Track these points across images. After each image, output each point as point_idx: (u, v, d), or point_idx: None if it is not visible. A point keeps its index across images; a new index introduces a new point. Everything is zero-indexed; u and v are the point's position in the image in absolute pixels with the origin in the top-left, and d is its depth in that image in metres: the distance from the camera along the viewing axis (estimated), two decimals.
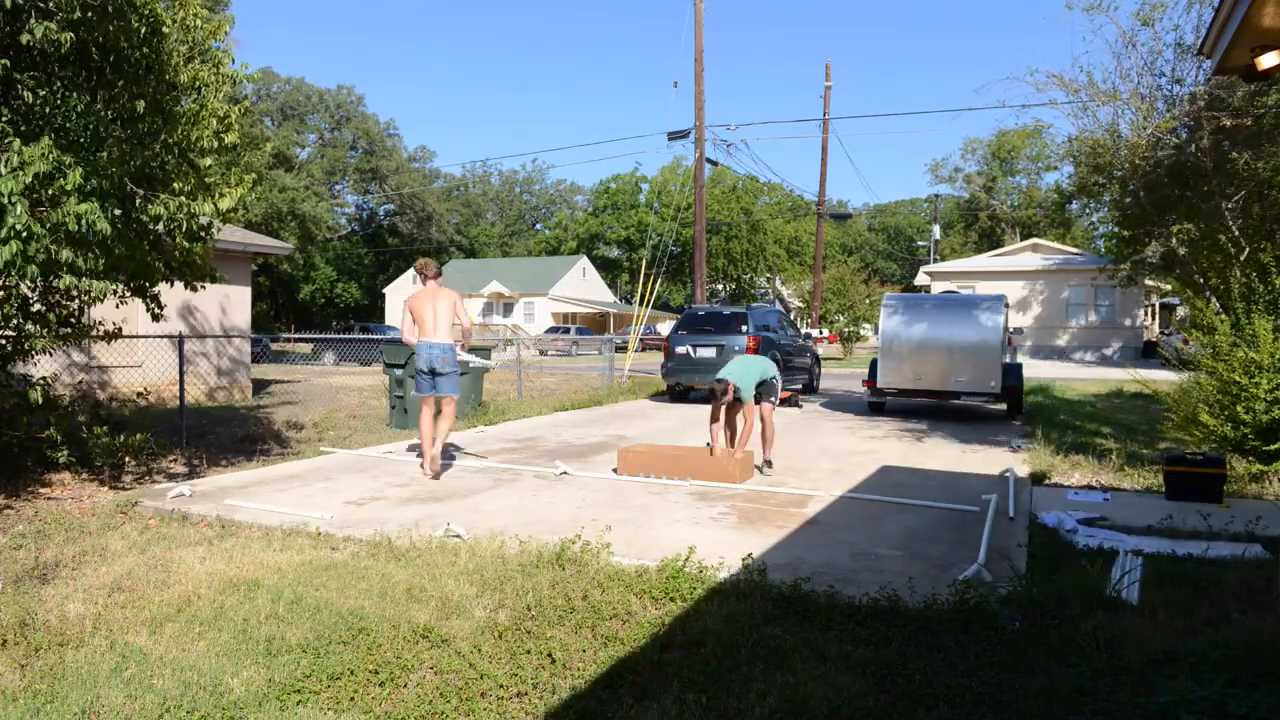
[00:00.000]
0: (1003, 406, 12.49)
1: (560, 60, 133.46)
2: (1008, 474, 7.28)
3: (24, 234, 5.15)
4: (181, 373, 8.99)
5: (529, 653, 3.38)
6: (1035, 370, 21.61)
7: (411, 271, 52.15)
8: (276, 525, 5.44)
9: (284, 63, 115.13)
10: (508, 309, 52.96)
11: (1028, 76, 31.07)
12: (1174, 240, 16.68)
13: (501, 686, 3.09)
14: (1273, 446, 6.72)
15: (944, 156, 67.96)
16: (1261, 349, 6.82)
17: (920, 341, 11.87)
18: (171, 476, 7.25)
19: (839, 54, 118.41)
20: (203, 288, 7.46)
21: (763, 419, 7.68)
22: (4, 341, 6.46)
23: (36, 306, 6.40)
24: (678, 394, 14.87)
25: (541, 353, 36.08)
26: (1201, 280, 13.91)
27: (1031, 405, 13.18)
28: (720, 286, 63.57)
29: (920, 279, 38.48)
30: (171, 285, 7.25)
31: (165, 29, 6.37)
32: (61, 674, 3.21)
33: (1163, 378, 9.48)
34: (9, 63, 5.70)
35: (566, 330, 40.96)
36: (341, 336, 26.66)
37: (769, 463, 7.69)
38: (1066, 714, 2.90)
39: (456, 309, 7.77)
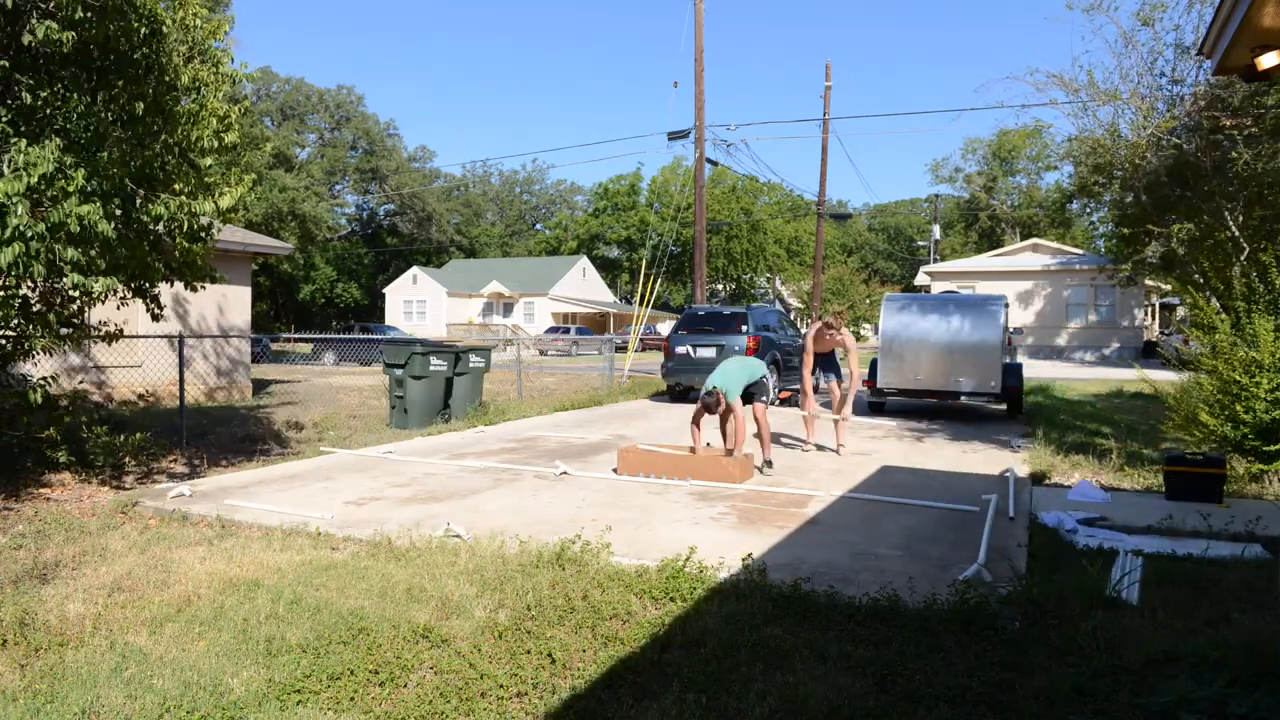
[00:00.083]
0: (1003, 406, 12.49)
1: (560, 60, 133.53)
2: (1008, 474, 7.29)
3: (27, 235, 5.15)
4: (181, 373, 8.99)
5: (529, 653, 3.38)
6: (1035, 370, 21.61)
7: (411, 271, 52.40)
8: (276, 525, 5.44)
9: (284, 63, 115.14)
10: (508, 309, 52.96)
11: (1028, 76, 31.10)
12: (1174, 240, 16.68)
13: (501, 686, 3.09)
14: (1273, 446, 6.72)
15: (944, 156, 67.89)
16: (1261, 349, 6.81)
17: (920, 341, 11.87)
18: (171, 476, 7.25)
19: (839, 54, 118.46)
20: (203, 288, 7.46)
21: (757, 420, 7.68)
22: (4, 342, 6.46)
23: (37, 307, 6.40)
24: (678, 394, 14.87)
25: (541, 353, 36.08)
26: (1201, 280, 13.92)
27: (1031, 405, 13.18)
28: (720, 286, 63.57)
29: (920, 279, 38.48)
30: (172, 285, 7.25)
31: (165, 29, 6.37)
32: (61, 674, 3.21)
33: (1163, 378, 9.47)
34: (9, 63, 5.70)
35: (566, 330, 40.96)
36: (341, 336, 26.64)
37: (769, 463, 7.69)
38: (1066, 714, 2.90)
39: None
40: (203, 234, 6.89)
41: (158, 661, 3.33)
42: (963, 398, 12.01)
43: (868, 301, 33.35)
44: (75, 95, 5.85)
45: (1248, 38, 3.75)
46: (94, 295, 5.88)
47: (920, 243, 69.78)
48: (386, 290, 53.97)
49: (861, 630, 3.60)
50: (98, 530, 5.35)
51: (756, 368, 7.73)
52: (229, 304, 14.04)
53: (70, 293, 5.92)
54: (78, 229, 5.39)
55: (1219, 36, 3.96)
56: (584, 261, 58.14)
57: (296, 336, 32.42)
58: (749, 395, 7.64)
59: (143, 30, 6.10)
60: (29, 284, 5.92)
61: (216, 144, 6.91)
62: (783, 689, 3.03)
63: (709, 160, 24.86)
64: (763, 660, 3.29)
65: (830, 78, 35.67)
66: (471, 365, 11.50)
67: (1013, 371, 11.98)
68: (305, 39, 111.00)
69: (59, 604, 3.96)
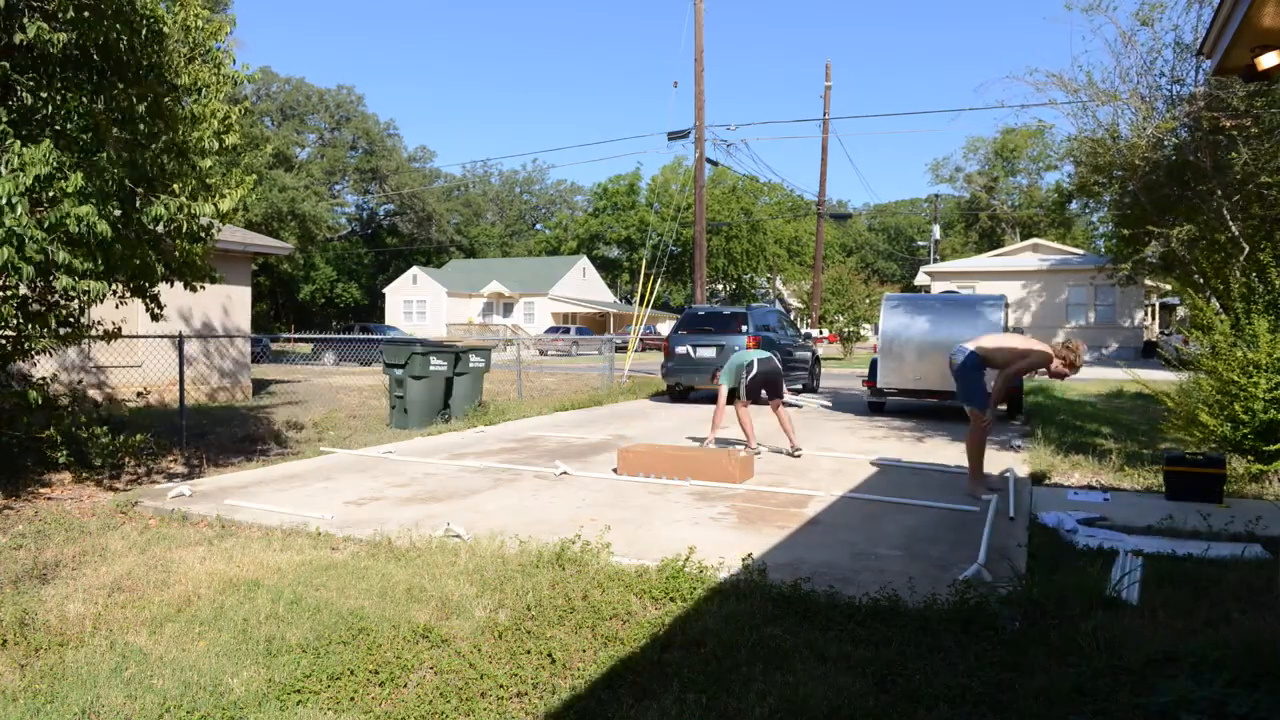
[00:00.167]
0: (1003, 406, 12.48)
1: (560, 60, 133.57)
2: (1008, 474, 7.28)
3: (22, 236, 5.15)
4: (181, 373, 8.99)
5: (529, 653, 3.38)
6: None
7: (411, 271, 52.41)
8: (276, 525, 5.44)
9: (284, 63, 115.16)
10: (508, 309, 52.96)
11: (1027, 76, 31.10)
12: (1174, 240, 16.68)
13: (501, 686, 3.09)
14: (1272, 446, 6.72)
15: (945, 156, 68.05)
16: (1260, 349, 6.82)
17: (920, 341, 11.87)
18: (171, 476, 7.25)
19: (839, 54, 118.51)
20: (203, 288, 7.47)
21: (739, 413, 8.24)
22: (4, 341, 6.46)
23: (36, 307, 6.40)
24: (678, 394, 14.88)
25: (541, 353, 36.08)
26: (1201, 280, 13.91)
27: (1031, 405, 13.18)
28: (720, 286, 63.57)
29: (920, 279, 38.48)
30: (171, 285, 7.25)
31: (165, 30, 6.37)
32: (61, 674, 3.21)
33: (1162, 378, 9.48)
34: (8, 65, 5.70)
35: (566, 330, 40.96)
36: (341, 336, 26.65)
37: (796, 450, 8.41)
38: (1066, 714, 2.90)
39: None
40: (203, 235, 6.89)
41: (158, 661, 3.33)
42: None
43: (867, 301, 33.30)
44: (74, 96, 5.85)
45: (1248, 38, 3.75)
46: (91, 296, 5.88)
47: (920, 243, 69.77)
48: (386, 290, 53.98)
49: (861, 630, 3.60)
50: (98, 530, 5.35)
51: (742, 356, 8.34)
52: (229, 304, 14.04)
53: (69, 293, 5.92)
54: (76, 229, 5.39)
55: (1219, 36, 3.96)
56: (584, 261, 58.15)
57: (296, 336, 32.43)
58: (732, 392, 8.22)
59: (143, 31, 6.10)
60: (27, 284, 5.92)
61: (217, 145, 6.91)
62: (783, 689, 3.03)
63: (709, 160, 24.86)
64: (763, 660, 3.29)
65: (830, 78, 35.69)
66: (471, 365, 11.50)
67: None
68: (305, 39, 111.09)
69: (59, 604, 3.96)
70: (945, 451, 9.01)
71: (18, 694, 3.04)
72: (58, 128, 5.82)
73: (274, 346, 30.87)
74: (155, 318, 7.24)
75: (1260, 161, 13.88)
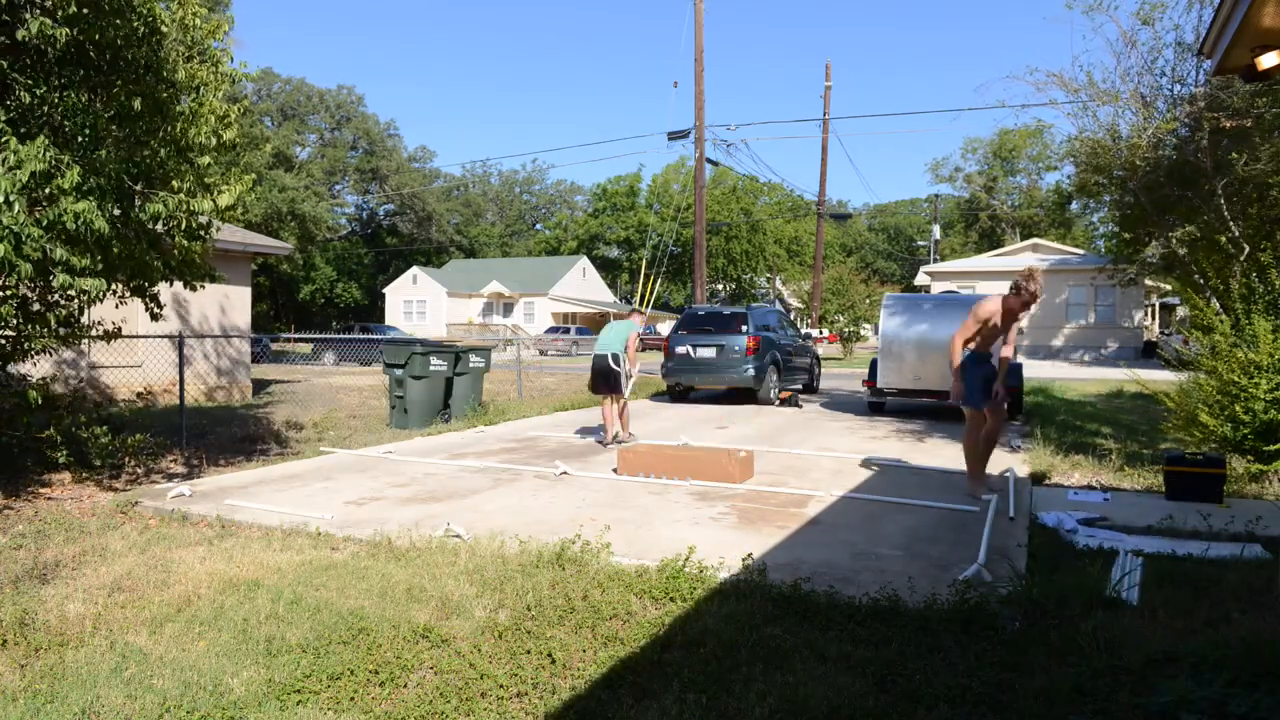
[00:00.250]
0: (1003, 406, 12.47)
1: (560, 60, 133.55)
2: (1008, 474, 7.28)
3: (19, 233, 5.15)
4: (181, 373, 8.99)
5: (529, 653, 3.38)
6: (1035, 370, 21.62)
7: (411, 271, 52.41)
8: (276, 525, 5.44)
9: (284, 63, 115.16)
10: (508, 309, 52.97)
11: (1027, 76, 31.12)
12: (1174, 241, 16.68)
13: (501, 686, 3.09)
14: (1272, 446, 6.72)
15: (944, 156, 67.87)
16: (1261, 349, 6.82)
17: (920, 341, 11.86)
18: (171, 476, 7.25)
19: (839, 54, 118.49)
20: (202, 287, 7.46)
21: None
22: (3, 341, 6.46)
23: (36, 307, 6.40)
24: (678, 394, 14.87)
25: (541, 353, 36.09)
26: (1201, 280, 13.92)
27: (1031, 405, 13.18)
28: (720, 286, 63.57)
29: (920, 279, 38.49)
30: (171, 284, 7.25)
31: (164, 28, 6.37)
32: (61, 674, 3.21)
33: (1163, 378, 9.47)
34: (6, 63, 5.70)
35: (566, 330, 40.96)
36: (341, 336, 26.65)
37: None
38: (1066, 714, 2.90)
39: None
40: (202, 232, 6.89)
41: (158, 661, 3.33)
42: None
43: (867, 301, 33.31)
44: (72, 93, 5.84)
45: (1248, 38, 3.75)
46: (90, 295, 5.88)
47: (920, 243, 69.78)
48: (386, 290, 53.97)
49: (861, 630, 3.60)
50: (98, 530, 5.35)
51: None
52: (229, 304, 14.05)
53: (68, 292, 5.92)
54: (74, 227, 5.39)
55: (1219, 36, 3.96)
56: (584, 261, 58.15)
57: (296, 336, 32.41)
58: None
59: (141, 29, 6.10)
60: (27, 283, 5.92)
61: (215, 142, 6.91)
62: (783, 689, 3.03)
63: (709, 160, 24.86)
64: (763, 660, 3.29)
65: (830, 78, 35.70)
66: (471, 365, 11.50)
67: (1012, 371, 11.95)
68: (305, 39, 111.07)
69: (59, 604, 3.96)
70: (945, 451, 9.00)
71: (18, 694, 3.04)
72: (56, 125, 5.82)
73: (274, 346, 30.87)
74: (155, 317, 7.23)
75: (1261, 161, 13.88)
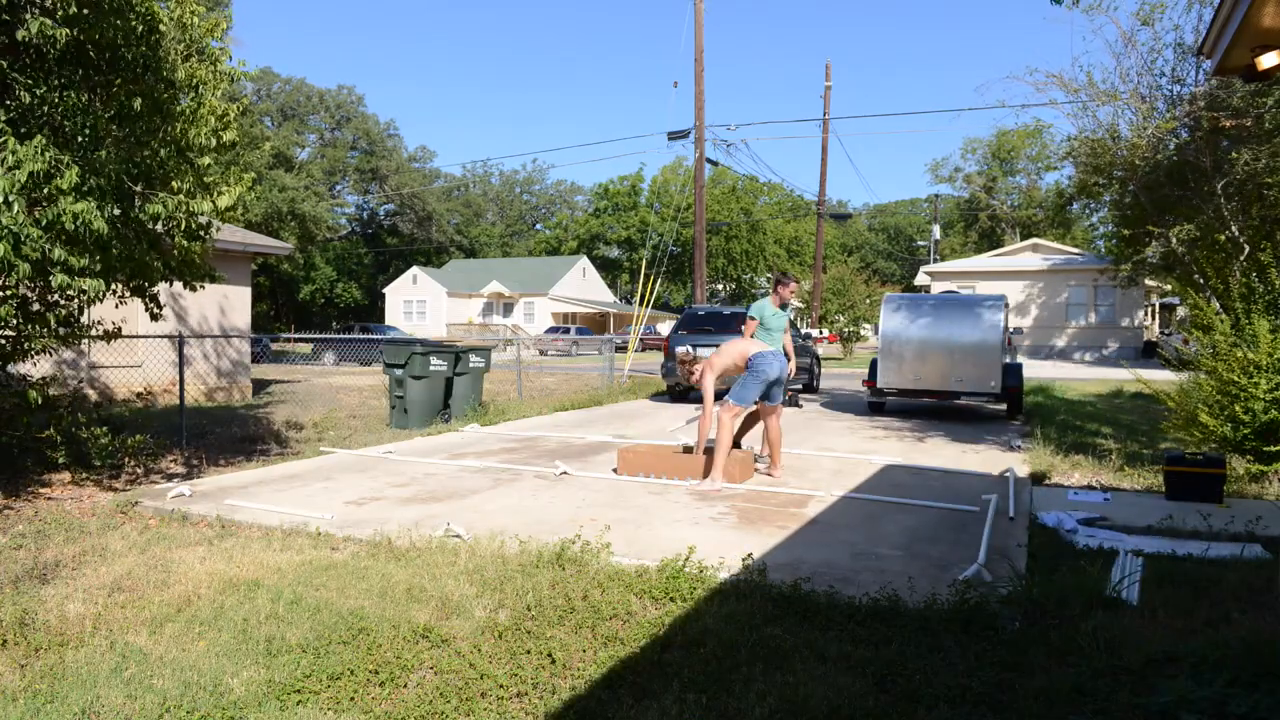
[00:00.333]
0: (1003, 406, 12.49)
1: (560, 60, 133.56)
2: (1008, 474, 7.29)
3: (18, 233, 5.14)
4: (181, 373, 8.99)
5: (529, 653, 3.38)
6: (1035, 370, 21.62)
7: (411, 271, 52.44)
8: (276, 525, 5.44)
9: (284, 63, 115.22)
10: (508, 309, 52.97)
11: (1027, 76, 31.20)
12: (1174, 240, 16.69)
13: (501, 686, 3.09)
14: (1272, 447, 6.72)
15: (944, 156, 67.96)
16: (1260, 349, 6.82)
17: (920, 341, 11.87)
18: (171, 476, 7.25)
19: (839, 54, 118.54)
20: (202, 287, 7.46)
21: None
22: (3, 341, 6.46)
23: (35, 306, 6.40)
24: (678, 394, 14.87)
25: (541, 353, 36.09)
26: (1201, 280, 13.92)
27: (1031, 405, 13.18)
28: (720, 286, 63.58)
29: (920, 279, 38.50)
30: (170, 285, 7.25)
31: (162, 27, 6.37)
32: (61, 674, 3.21)
33: (1163, 378, 9.48)
34: (5, 63, 5.70)
35: (566, 330, 40.97)
36: (341, 336, 26.65)
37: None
38: (1066, 714, 2.90)
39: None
40: (201, 233, 6.89)
41: (158, 661, 3.33)
42: (962, 398, 12.00)
43: (868, 301, 33.32)
44: (71, 93, 5.84)
45: (1248, 38, 3.75)
46: (89, 295, 5.88)
47: (920, 243, 69.78)
48: (386, 290, 53.98)
49: (861, 630, 3.60)
50: (98, 530, 5.35)
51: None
52: (229, 304, 14.05)
53: (67, 292, 5.91)
54: (73, 227, 5.39)
55: (1219, 36, 3.96)
56: (584, 261, 58.16)
57: (296, 336, 32.43)
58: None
59: (139, 28, 6.10)
60: (26, 283, 5.92)
61: (215, 142, 6.91)
62: (783, 689, 3.03)
63: (709, 160, 24.86)
64: (763, 660, 3.29)
65: (830, 78, 35.71)
66: (471, 365, 11.50)
67: (1012, 371, 11.98)
68: (305, 39, 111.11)
69: (59, 604, 3.96)
70: (945, 451, 9.01)
71: (18, 694, 3.04)
72: (55, 125, 5.82)
73: (274, 346, 30.87)
74: (154, 318, 7.23)
75: (1261, 162, 13.88)
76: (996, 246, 49.70)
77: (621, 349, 22.67)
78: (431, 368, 10.72)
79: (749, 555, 4.59)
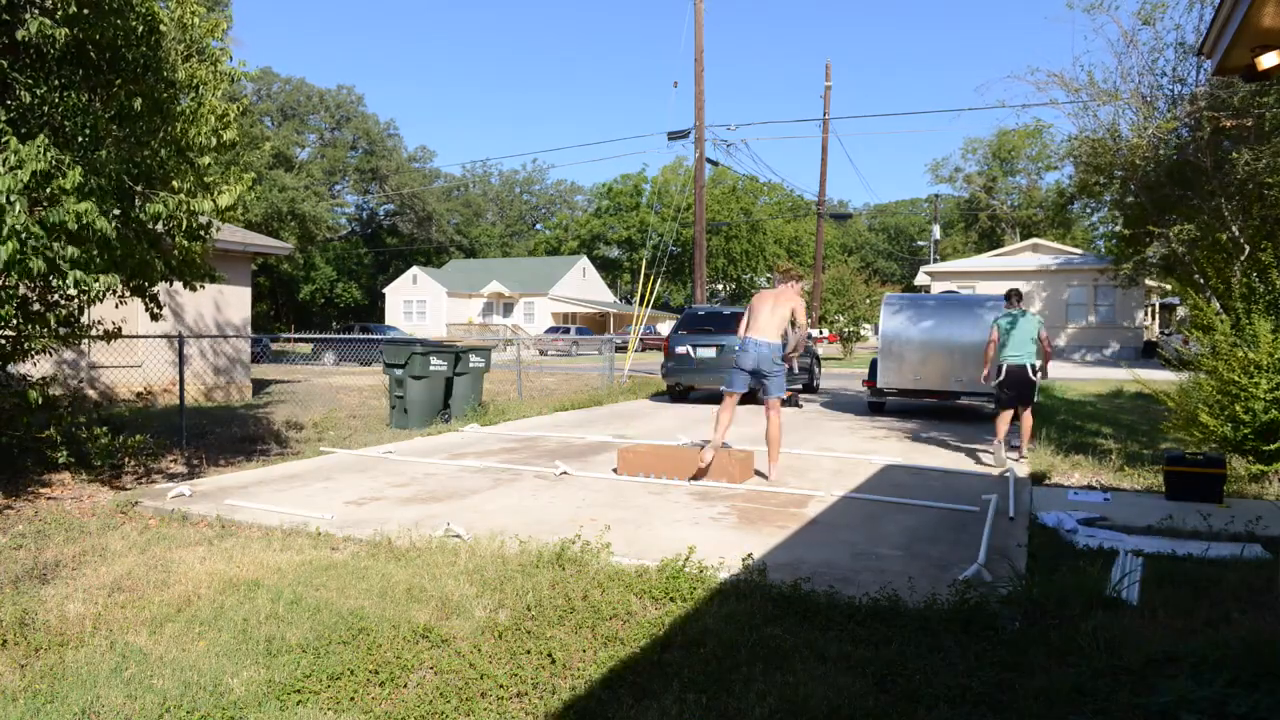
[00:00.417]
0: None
1: (560, 60, 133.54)
2: (1008, 474, 7.29)
3: (22, 234, 5.15)
4: (181, 373, 8.99)
5: (529, 653, 3.38)
6: None
7: (411, 271, 52.43)
8: (276, 525, 5.44)
9: (284, 63, 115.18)
10: (508, 309, 52.96)
11: (1028, 76, 31.24)
12: (1174, 241, 16.69)
13: (501, 686, 3.09)
14: (1272, 446, 6.72)
15: (944, 156, 67.90)
16: (1261, 349, 6.82)
17: (920, 341, 11.87)
18: (171, 476, 7.25)
19: (839, 54, 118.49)
20: (202, 287, 7.46)
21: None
22: (3, 341, 6.46)
23: (35, 306, 6.40)
24: (678, 394, 14.87)
25: (541, 353, 36.08)
26: (1201, 280, 13.93)
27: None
28: (720, 286, 63.57)
29: (920, 279, 38.49)
30: (171, 284, 7.25)
31: (162, 27, 6.37)
32: (61, 674, 3.21)
33: (1163, 378, 9.47)
34: (6, 63, 5.70)
35: (566, 330, 40.96)
36: (341, 336, 26.65)
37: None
38: (1066, 714, 2.90)
39: (797, 314, 7.40)
40: (202, 232, 6.89)
41: (158, 661, 3.33)
42: (963, 398, 12.00)
43: (868, 301, 33.32)
44: (72, 93, 5.84)
45: (1248, 38, 3.75)
46: (93, 294, 5.88)
47: (920, 243, 69.79)
48: (386, 290, 53.97)
49: (861, 630, 3.60)
50: (98, 530, 5.35)
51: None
52: (228, 304, 14.05)
53: (69, 291, 5.91)
54: (75, 227, 5.39)
55: (1219, 36, 3.96)
56: (584, 261, 58.15)
57: (296, 336, 32.41)
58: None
59: (140, 28, 6.10)
60: (27, 283, 5.91)
61: (215, 142, 6.91)
62: (783, 689, 3.03)
63: (709, 160, 24.86)
64: (763, 660, 3.29)
65: (830, 78, 35.71)
66: (471, 365, 11.50)
67: None
68: (305, 39, 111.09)
69: (59, 604, 3.96)
70: (945, 451, 9.01)
71: (18, 694, 3.04)
72: (56, 125, 5.82)
73: (274, 346, 30.87)
74: (155, 317, 7.23)
75: (1261, 162, 13.88)
76: (996, 246, 49.69)
77: (621, 349, 22.66)
78: (431, 368, 10.72)
79: (749, 555, 4.59)
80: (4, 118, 5.60)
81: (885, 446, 9.32)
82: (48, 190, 5.34)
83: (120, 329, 7.29)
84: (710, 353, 13.74)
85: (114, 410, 9.70)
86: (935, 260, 44.40)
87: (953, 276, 34.27)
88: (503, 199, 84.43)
